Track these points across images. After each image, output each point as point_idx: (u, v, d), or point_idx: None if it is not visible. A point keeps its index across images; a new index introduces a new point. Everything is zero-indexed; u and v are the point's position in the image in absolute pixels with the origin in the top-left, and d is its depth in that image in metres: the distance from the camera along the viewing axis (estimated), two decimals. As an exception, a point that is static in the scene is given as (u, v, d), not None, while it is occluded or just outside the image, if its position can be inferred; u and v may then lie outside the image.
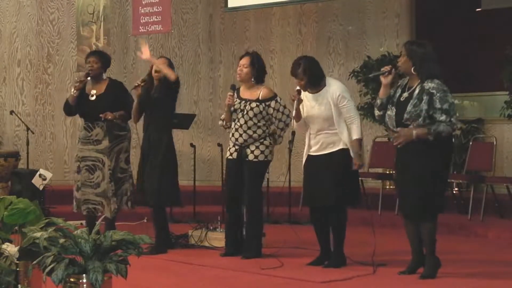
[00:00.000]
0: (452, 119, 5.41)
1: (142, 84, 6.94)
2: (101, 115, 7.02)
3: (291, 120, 6.42)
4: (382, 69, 5.72)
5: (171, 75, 6.83)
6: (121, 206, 7.16)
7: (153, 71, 6.97)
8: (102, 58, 7.31)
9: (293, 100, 6.06)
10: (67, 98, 7.39)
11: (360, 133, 5.99)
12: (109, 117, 7.03)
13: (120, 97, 7.19)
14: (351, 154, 5.96)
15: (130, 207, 7.22)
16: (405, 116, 5.48)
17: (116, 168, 7.12)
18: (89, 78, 7.23)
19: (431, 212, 5.57)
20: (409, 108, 5.48)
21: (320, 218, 6.13)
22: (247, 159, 6.50)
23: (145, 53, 7.03)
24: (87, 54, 7.58)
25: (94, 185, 7.11)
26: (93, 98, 7.18)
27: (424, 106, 5.42)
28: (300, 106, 6.09)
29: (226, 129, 6.71)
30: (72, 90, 7.24)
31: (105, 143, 7.11)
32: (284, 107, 6.52)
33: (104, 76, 7.31)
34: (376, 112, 5.77)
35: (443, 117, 5.38)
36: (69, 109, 7.37)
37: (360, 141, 5.98)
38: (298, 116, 6.12)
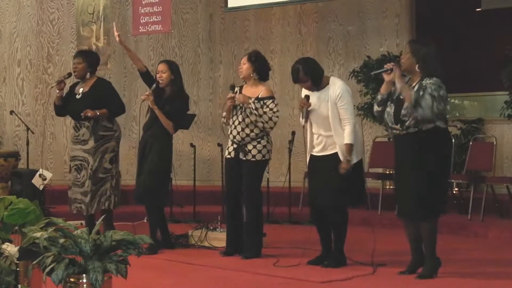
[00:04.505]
0: (435, 104, 5.36)
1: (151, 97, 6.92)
2: (81, 114, 7.06)
3: (274, 124, 6.43)
4: (384, 66, 5.72)
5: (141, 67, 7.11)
6: (99, 206, 7.15)
7: (157, 74, 6.98)
8: (87, 58, 7.33)
9: (302, 107, 6.06)
10: (54, 99, 7.44)
11: (352, 138, 5.94)
12: (89, 114, 7.05)
13: (104, 96, 7.21)
14: (340, 157, 5.96)
15: (107, 207, 7.19)
16: (402, 112, 5.51)
17: (99, 168, 7.14)
18: (70, 76, 7.36)
19: (429, 212, 5.57)
20: (406, 104, 5.50)
21: (321, 217, 6.14)
22: (244, 159, 6.50)
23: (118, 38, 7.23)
24: (74, 55, 7.64)
25: (80, 184, 7.15)
26: (79, 96, 7.24)
27: None
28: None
29: (227, 125, 6.72)
30: (56, 90, 7.30)
31: (91, 143, 7.15)
32: (274, 112, 6.43)
33: (89, 75, 7.31)
34: (376, 108, 5.78)
35: (428, 97, 5.37)
36: (57, 109, 7.45)
37: (350, 146, 5.94)
38: (307, 117, 6.13)
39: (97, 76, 7.43)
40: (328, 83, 6.09)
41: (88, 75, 7.30)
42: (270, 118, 6.43)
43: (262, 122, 6.42)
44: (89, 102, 7.14)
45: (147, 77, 7.14)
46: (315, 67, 6.13)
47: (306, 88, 6.15)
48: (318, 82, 6.07)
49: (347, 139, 5.94)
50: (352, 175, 5.99)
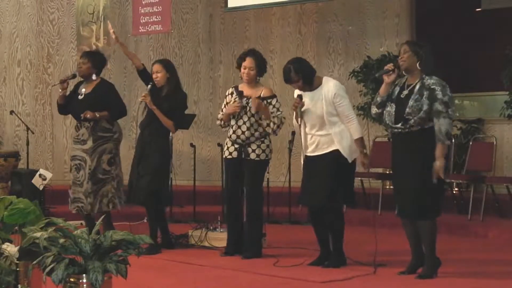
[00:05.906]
0: (449, 110, 5.50)
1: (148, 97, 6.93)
2: (81, 115, 7.07)
3: (283, 120, 6.48)
4: (385, 68, 5.73)
5: (139, 65, 7.14)
6: (101, 207, 7.15)
7: (153, 75, 6.98)
8: (92, 59, 7.31)
9: (296, 107, 6.06)
10: (57, 98, 7.47)
11: (360, 131, 6.01)
12: (88, 116, 7.06)
13: (106, 97, 7.20)
14: (343, 155, 5.95)
15: (111, 209, 7.20)
16: (407, 110, 5.53)
17: (98, 168, 7.13)
18: (75, 78, 7.41)
19: (428, 211, 5.57)
20: (410, 102, 5.54)
21: (317, 218, 6.14)
22: (248, 158, 6.50)
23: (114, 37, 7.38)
24: (81, 54, 7.65)
25: (80, 184, 7.16)
26: (81, 97, 7.24)
27: (425, 101, 5.50)
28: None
29: (223, 128, 6.70)
30: (59, 89, 7.33)
31: (89, 143, 7.15)
32: (278, 109, 6.49)
33: (94, 76, 7.30)
34: (374, 110, 5.79)
35: (441, 107, 5.47)
36: (60, 108, 7.47)
37: (361, 139, 6.00)
38: (301, 117, 6.13)
39: (101, 77, 7.43)
40: (321, 83, 6.10)
41: (94, 76, 7.29)
42: (279, 118, 6.44)
43: (273, 124, 6.42)
44: (91, 103, 7.14)
45: (145, 75, 7.16)
46: (306, 67, 6.14)
47: (298, 88, 6.16)
48: (309, 81, 6.08)
49: (356, 134, 5.98)
50: (345, 175, 6.00)
